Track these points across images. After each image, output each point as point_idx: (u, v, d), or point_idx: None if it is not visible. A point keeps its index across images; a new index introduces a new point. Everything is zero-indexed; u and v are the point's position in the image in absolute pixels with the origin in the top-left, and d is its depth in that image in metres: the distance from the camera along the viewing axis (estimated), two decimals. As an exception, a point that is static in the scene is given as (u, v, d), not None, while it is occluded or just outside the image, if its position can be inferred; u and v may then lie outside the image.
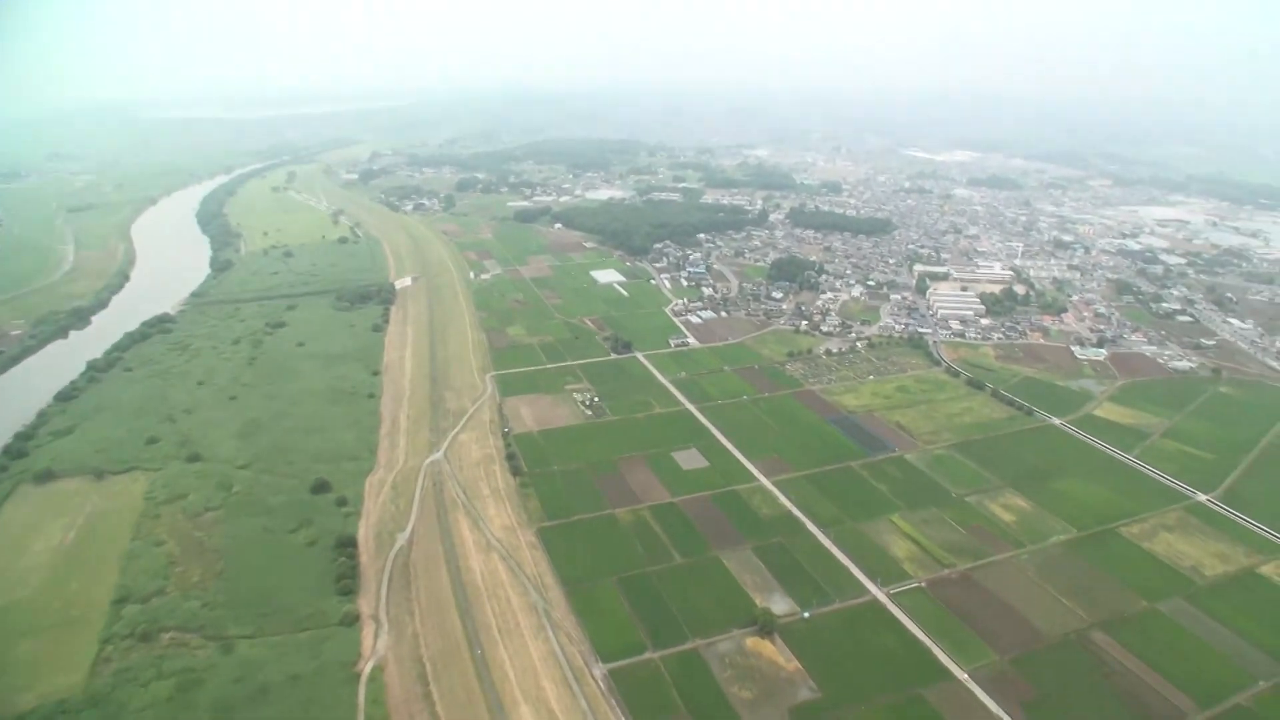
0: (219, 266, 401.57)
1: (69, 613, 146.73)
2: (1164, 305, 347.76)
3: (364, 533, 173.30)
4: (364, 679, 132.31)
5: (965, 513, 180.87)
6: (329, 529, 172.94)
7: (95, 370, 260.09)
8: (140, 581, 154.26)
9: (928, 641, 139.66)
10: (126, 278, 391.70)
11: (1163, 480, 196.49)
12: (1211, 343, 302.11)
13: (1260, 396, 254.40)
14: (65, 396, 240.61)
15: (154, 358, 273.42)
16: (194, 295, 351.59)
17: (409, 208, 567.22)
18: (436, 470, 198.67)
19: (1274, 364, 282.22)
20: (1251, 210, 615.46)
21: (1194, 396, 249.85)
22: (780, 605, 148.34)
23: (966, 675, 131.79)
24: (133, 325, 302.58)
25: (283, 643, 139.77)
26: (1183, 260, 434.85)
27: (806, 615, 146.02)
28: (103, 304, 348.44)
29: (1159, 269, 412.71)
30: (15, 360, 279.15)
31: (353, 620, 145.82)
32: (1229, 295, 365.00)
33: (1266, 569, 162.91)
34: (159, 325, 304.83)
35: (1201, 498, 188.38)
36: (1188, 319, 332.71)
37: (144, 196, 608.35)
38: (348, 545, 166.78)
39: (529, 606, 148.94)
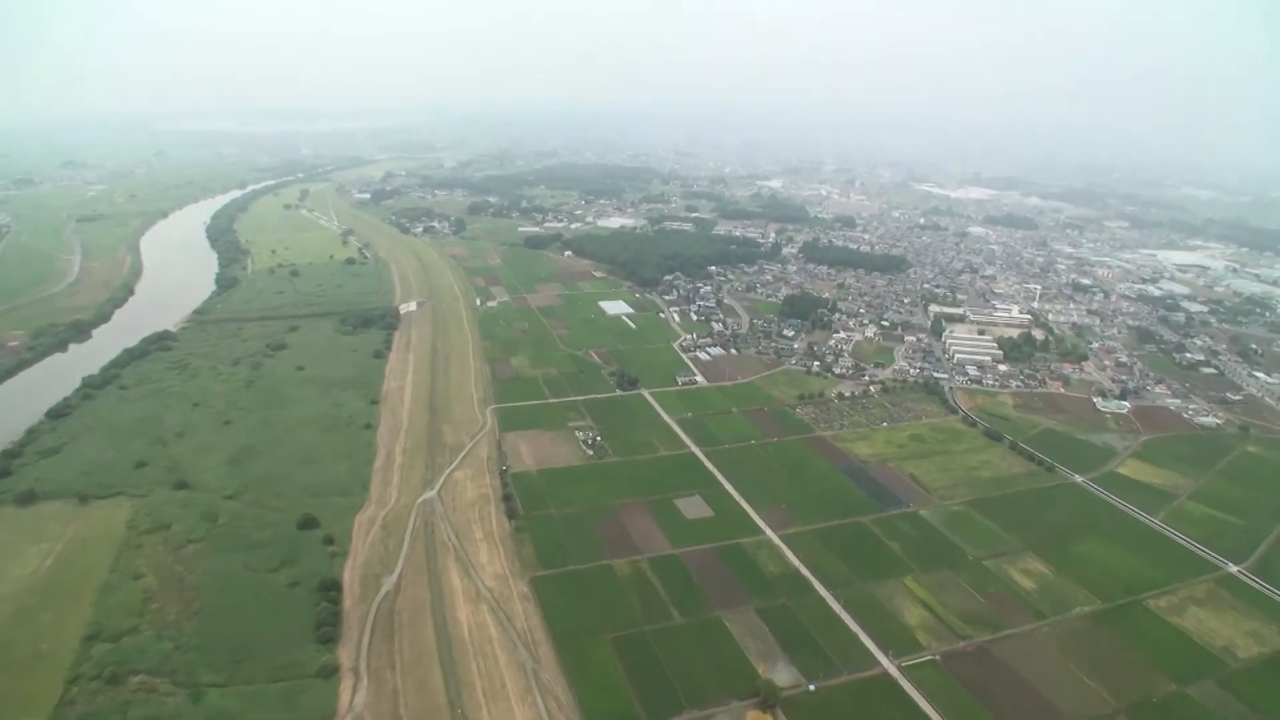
0: (224, 284, 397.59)
1: (38, 647, 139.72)
2: (1188, 355, 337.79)
3: (349, 575, 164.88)
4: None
5: (983, 577, 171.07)
6: (313, 569, 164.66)
7: (90, 387, 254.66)
8: (114, 617, 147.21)
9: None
10: (131, 291, 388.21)
11: (1190, 548, 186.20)
12: (1238, 397, 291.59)
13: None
14: (57, 414, 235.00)
15: (151, 376, 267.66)
16: (197, 312, 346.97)
17: (419, 230, 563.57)
18: (429, 509, 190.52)
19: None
20: (1271, 257, 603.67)
21: (1221, 455, 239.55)
22: (784, 675, 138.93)
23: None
24: (133, 341, 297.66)
25: (255, 693, 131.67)
26: (1204, 308, 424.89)
27: (812, 688, 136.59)
28: (104, 317, 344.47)
29: (1181, 317, 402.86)
30: (10, 373, 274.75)
31: (331, 672, 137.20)
32: (1254, 346, 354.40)
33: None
34: (159, 342, 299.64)
35: (1233, 569, 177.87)
36: (1212, 371, 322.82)
37: (155, 209, 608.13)
38: (331, 589, 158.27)
39: (517, 665, 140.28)
